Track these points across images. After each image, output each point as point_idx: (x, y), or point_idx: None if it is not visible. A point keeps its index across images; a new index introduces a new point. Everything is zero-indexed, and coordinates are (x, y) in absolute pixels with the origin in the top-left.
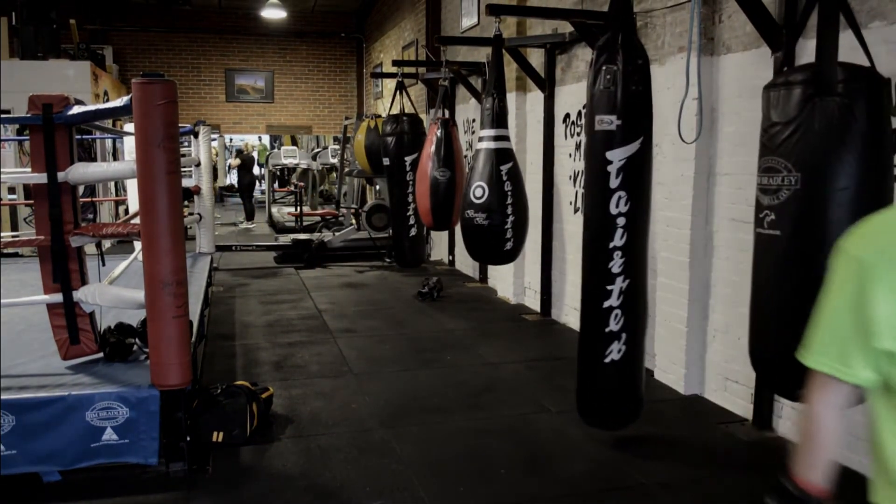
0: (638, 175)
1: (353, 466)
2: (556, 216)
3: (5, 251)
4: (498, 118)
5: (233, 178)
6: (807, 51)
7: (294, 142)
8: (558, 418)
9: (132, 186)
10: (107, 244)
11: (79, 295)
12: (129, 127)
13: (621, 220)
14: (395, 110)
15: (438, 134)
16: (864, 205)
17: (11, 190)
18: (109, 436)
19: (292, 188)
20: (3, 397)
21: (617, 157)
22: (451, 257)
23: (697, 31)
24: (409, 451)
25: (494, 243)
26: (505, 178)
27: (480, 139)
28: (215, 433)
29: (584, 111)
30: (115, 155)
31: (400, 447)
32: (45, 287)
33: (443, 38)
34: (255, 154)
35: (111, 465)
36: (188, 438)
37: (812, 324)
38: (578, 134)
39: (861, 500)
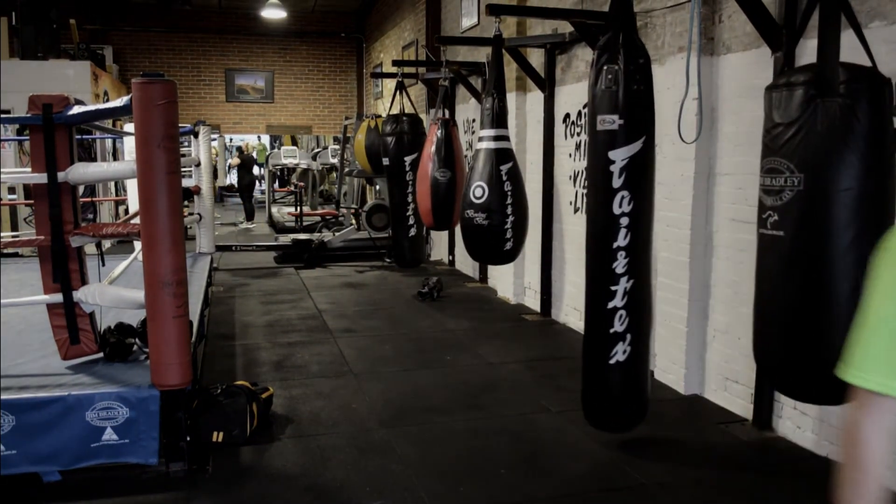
0: (641, 174)
1: (353, 466)
2: (555, 216)
3: (5, 251)
4: (498, 118)
5: (233, 178)
6: (807, 51)
7: (294, 142)
8: (558, 418)
9: (132, 186)
10: (107, 244)
11: (79, 295)
12: (129, 127)
13: (625, 220)
14: (395, 110)
15: (439, 134)
16: (867, 205)
17: (11, 190)
18: (109, 436)
19: (292, 188)
20: (3, 397)
21: (620, 156)
22: (451, 257)
23: (697, 31)
24: (409, 451)
25: (494, 243)
26: (505, 178)
27: (480, 139)
28: (215, 433)
29: (584, 111)
30: (115, 155)
31: (400, 447)
32: (45, 287)
33: (443, 38)
34: (254, 154)
35: (111, 465)
36: (188, 438)
37: (852, 336)
38: (578, 134)
39: None
